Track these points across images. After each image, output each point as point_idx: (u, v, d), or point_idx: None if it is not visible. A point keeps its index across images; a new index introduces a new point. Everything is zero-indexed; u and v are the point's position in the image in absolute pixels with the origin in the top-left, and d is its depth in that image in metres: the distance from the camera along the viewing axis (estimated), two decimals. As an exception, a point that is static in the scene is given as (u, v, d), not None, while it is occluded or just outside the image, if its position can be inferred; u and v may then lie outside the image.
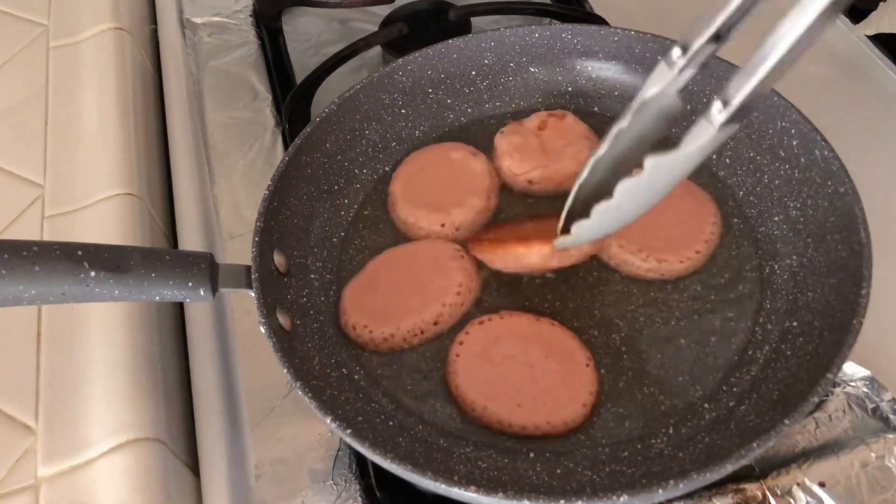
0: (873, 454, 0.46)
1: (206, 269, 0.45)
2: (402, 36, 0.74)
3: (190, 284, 0.45)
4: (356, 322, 0.51)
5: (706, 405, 0.47)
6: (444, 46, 0.61)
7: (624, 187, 0.40)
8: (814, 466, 0.46)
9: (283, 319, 0.48)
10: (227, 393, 0.54)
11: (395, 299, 0.51)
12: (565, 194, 0.57)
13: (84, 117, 0.68)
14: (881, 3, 0.70)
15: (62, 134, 0.67)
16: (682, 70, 0.39)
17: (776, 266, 0.52)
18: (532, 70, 0.63)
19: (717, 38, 0.37)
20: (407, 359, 0.50)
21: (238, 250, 0.60)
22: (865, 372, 0.49)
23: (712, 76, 0.54)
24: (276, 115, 0.70)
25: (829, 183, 0.50)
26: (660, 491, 0.38)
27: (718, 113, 0.35)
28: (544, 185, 0.58)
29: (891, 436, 0.46)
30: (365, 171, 0.60)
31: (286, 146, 0.67)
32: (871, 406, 0.48)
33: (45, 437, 0.49)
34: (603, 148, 0.43)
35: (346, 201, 0.59)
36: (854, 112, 0.67)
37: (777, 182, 0.54)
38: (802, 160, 0.52)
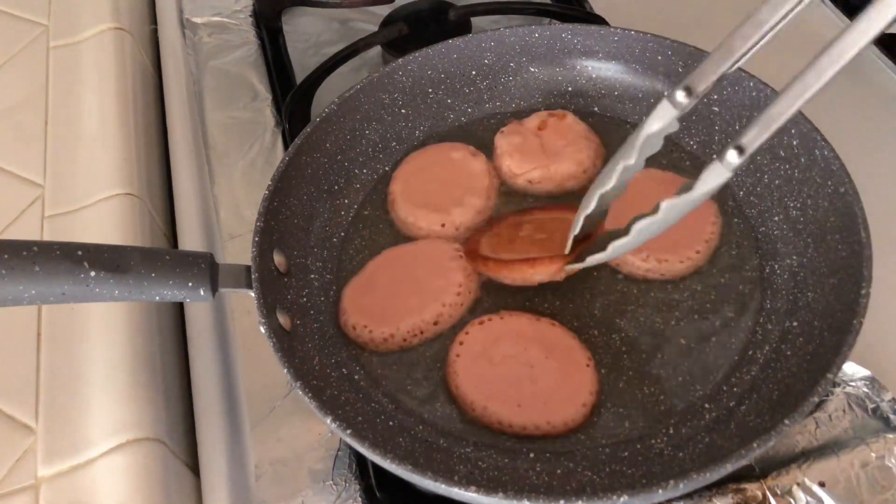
0: (873, 454, 0.46)
1: (206, 269, 0.45)
2: (402, 36, 0.74)
3: (190, 284, 0.45)
4: (356, 322, 0.51)
5: (706, 405, 0.47)
6: (444, 46, 0.61)
7: (640, 226, 0.42)
8: (814, 466, 0.46)
9: (283, 319, 0.48)
10: (227, 393, 0.54)
11: (395, 299, 0.51)
12: (565, 194, 0.57)
13: (84, 117, 0.68)
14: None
15: (62, 134, 0.67)
16: (685, 108, 0.40)
17: (776, 266, 0.52)
18: (532, 70, 0.63)
19: (722, 78, 0.39)
20: (407, 359, 0.50)
21: (238, 250, 0.60)
22: (865, 372, 0.49)
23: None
24: (276, 115, 0.70)
25: (830, 183, 0.50)
26: (660, 491, 0.38)
27: (734, 159, 0.37)
28: (544, 184, 0.58)
29: (891, 436, 0.46)
30: (365, 171, 0.60)
31: (286, 146, 0.67)
32: (871, 406, 0.48)
33: (45, 437, 0.49)
34: (609, 184, 0.43)
35: (346, 201, 0.59)
36: (854, 112, 0.67)
37: (777, 182, 0.54)
38: (802, 160, 0.52)
